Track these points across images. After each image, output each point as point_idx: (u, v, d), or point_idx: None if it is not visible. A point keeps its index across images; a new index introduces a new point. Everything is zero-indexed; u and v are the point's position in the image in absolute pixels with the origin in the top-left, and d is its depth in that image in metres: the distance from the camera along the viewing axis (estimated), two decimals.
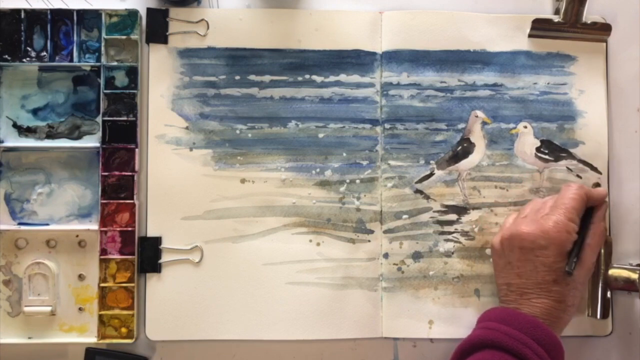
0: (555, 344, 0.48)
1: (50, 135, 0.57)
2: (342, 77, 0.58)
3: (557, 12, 0.59)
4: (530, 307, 0.50)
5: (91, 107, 0.57)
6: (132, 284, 0.56)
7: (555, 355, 0.48)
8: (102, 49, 0.57)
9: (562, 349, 0.49)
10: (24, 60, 0.56)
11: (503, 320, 0.49)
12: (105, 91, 0.56)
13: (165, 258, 0.56)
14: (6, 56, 0.56)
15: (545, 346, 0.47)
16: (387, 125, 0.58)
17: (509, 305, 0.51)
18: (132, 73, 0.57)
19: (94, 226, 0.56)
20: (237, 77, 0.58)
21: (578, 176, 0.58)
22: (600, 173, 0.58)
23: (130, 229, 0.56)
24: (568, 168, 0.58)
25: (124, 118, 0.56)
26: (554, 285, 0.50)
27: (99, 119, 0.57)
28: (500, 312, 0.50)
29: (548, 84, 0.59)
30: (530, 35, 0.59)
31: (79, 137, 0.57)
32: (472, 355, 0.48)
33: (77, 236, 0.57)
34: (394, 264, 0.57)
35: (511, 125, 0.58)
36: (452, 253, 0.58)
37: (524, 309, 0.50)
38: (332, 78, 0.58)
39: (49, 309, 0.55)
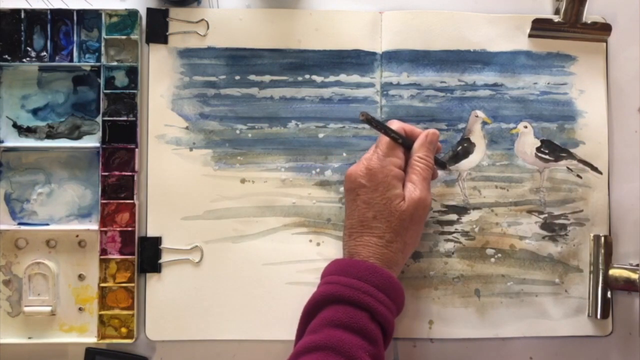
0: (393, 284, 0.48)
1: (50, 135, 0.57)
2: (342, 77, 0.58)
3: (557, 12, 0.59)
4: (357, 246, 0.50)
5: (91, 107, 0.57)
6: (132, 284, 0.56)
7: (395, 296, 0.48)
8: (102, 49, 0.57)
9: (401, 289, 0.49)
10: (24, 60, 0.56)
11: (342, 271, 0.48)
12: (105, 91, 0.56)
13: (165, 258, 0.56)
14: (6, 56, 0.56)
15: (385, 289, 0.47)
16: None
17: (344, 250, 0.51)
18: (132, 73, 0.57)
19: (94, 226, 0.56)
20: (237, 77, 0.58)
21: (578, 176, 0.58)
22: (601, 173, 0.58)
23: (130, 229, 0.56)
24: (568, 168, 0.58)
25: (124, 118, 0.56)
26: (373, 222, 0.49)
27: (99, 119, 0.57)
28: (339, 263, 0.50)
29: (548, 84, 0.59)
30: (530, 35, 0.59)
31: (79, 137, 0.57)
32: (318, 314, 0.47)
33: (77, 236, 0.57)
34: None
35: (511, 125, 0.58)
36: (452, 253, 0.58)
37: (357, 250, 0.50)
38: (332, 78, 0.58)
39: (49, 309, 0.55)
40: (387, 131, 0.51)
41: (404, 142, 0.52)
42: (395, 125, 0.52)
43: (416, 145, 0.52)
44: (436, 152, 0.54)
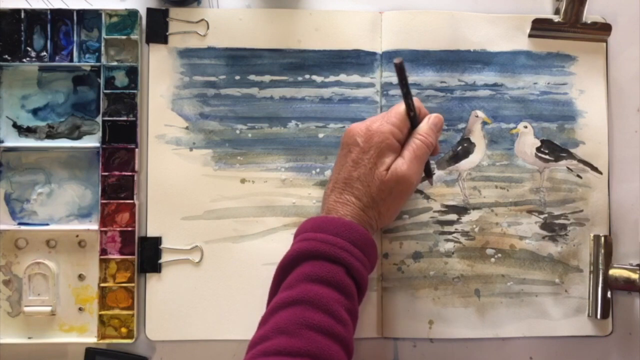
0: (368, 241, 0.48)
1: (50, 135, 0.57)
2: (342, 77, 0.58)
3: (557, 12, 0.59)
4: (336, 203, 0.50)
5: (91, 107, 0.57)
6: (132, 284, 0.56)
7: (370, 253, 0.49)
8: (102, 49, 0.57)
9: (375, 246, 0.50)
10: (24, 60, 0.56)
11: (318, 228, 0.48)
12: (105, 91, 0.56)
13: (165, 258, 0.56)
14: (6, 56, 0.56)
15: (360, 246, 0.48)
16: None
17: (323, 205, 0.51)
18: (132, 73, 0.57)
19: (94, 226, 0.56)
20: (237, 77, 0.58)
21: (578, 176, 0.58)
22: (601, 173, 0.58)
23: (130, 229, 0.56)
24: (568, 168, 0.58)
25: (124, 118, 0.56)
26: (356, 182, 0.49)
27: (99, 119, 0.57)
28: (315, 221, 0.49)
29: (548, 84, 0.59)
30: (530, 35, 0.59)
31: (79, 137, 0.57)
32: (294, 270, 0.47)
33: (77, 236, 0.57)
34: (394, 264, 0.57)
35: (511, 125, 0.58)
36: (452, 253, 0.58)
37: (335, 207, 0.50)
38: (332, 78, 0.58)
39: (49, 309, 0.55)
40: (407, 94, 0.50)
41: (414, 118, 0.51)
42: (416, 101, 0.51)
43: (422, 124, 0.51)
44: (434, 153, 0.53)
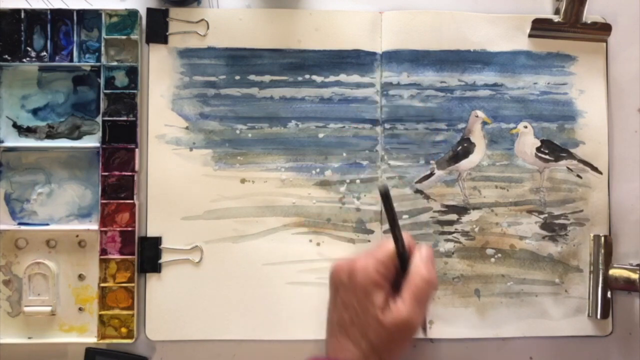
0: None
1: (50, 135, 0.57)
2: (342, 77, 0.58)
3: (557, 12, 0.59)
4: (335, 350, 0.47)
5: (91, 107, 0.57)
6: (132, 284, 0.56)
7: None
8: (102, 49, 0.57)
9: None
10: (24, 60, 0.56)
11: None
12: (105, 91, 0.56)
13: (165, 258, 0.56)
14: (6, 56, 0.56)
15: None
16: (387, 125, 0.58)
17: (325, 346, 0.48)
18: (132, 73, 0.57)
19: (94, 226, 0.56)
20: (237, 77, 0.58)
21: (578, 176, 0.58)
22: (601, 173, 0.58)
23: (130, 229, 0.56)
24: (568, 168, 0.58)
25: (124, 118, 0.56)
26: (350, 327, 0.46)
27: (99, 119, 0.57)
28: None
29: (548, 84, 0.59)
30: (530, 35, 0.59)
31: (79, 137, 0.57)
32: None
33: (77, 236, 0.57)
34: None
35: (511, 125, 0.58)
36: (452, 253, 0.58)
37: (335, 354, 0.47)
38: (332, 78, 0.58)
39: (49, 309, 0.55)
40: (395, 225, 0.47)
41: (403, 254, 0.48)
42: (405, 236, 0.48)
43: (417, 261, 0.47)
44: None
